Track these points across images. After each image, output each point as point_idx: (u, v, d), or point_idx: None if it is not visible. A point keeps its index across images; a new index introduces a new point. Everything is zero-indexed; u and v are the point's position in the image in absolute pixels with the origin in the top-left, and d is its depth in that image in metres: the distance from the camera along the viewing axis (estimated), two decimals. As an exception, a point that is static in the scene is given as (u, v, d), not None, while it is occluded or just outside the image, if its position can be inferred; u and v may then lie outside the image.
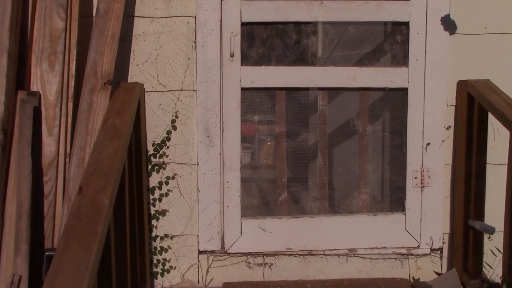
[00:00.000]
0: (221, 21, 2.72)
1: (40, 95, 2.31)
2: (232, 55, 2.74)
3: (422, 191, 2.88)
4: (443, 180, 2.88)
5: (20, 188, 2.11)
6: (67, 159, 2.33)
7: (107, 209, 1.73)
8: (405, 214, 2.89)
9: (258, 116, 2.90)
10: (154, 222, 2.79)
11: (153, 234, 2.80)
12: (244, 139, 2.85)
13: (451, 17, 2.81)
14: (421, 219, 2.90)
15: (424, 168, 2.87)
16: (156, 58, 2.73)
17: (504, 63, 2.87)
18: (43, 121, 2.30)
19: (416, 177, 2.87)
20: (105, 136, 2.12)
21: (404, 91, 2.86)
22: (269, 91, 2.85)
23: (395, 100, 2.90)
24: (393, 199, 2.97)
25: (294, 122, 2.88)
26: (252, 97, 2.82)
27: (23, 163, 2.13)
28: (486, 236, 2.83)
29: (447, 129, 2.87)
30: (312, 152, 2.93)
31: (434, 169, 2.87)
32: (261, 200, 2.96)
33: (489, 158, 2.79)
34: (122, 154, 2.05)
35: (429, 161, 2.87)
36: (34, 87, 2.32)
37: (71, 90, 2.39)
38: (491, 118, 2.68)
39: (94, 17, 2.50)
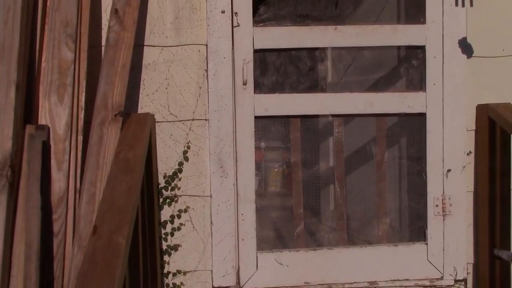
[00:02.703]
0: (233, 48, 2.65)
1: (49, 128, 2.22)
2: (245, 83, 2.66)
3: (444, 219, 2.77)
4: (466, 207, 2.77)
5: (28, 228, 2.00)
6: (77, 195, 2.22)
7: (124, 250, 1.62)
8: (427, 244, 2.78)
9: (268, 143, 2.82)
10: (166, 257, 2.67)
11: (165, 270, 2.67)
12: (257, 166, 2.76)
13: (468, 40, 2.74)
14: (443, 249, 2.78)
15: (446, 196, 2.77)
16: (166, 88, 2.65)
17: (524, 86, 2.79)
18: (52, 156, 2.20)
19: (437, 205, 2.77)
20: (118, 171, 2.02)
21: (422, 116, 2.77)
22: (284, 119, 2.76)
23: (413, 126, 2.81)
24: (413, 228, 2.86)
25: (310, 150, 2.80)
26: (266, 126, 2.74)
27: (32, 201, 2.02)
28: (512, 265, 2.72)
29: (467, 154, 2.77)
30: (328, 181, 2.83)
31: (455, 197, 2.77)
32: (276, 232, 2.85)
33: (513, 184, 2.70)
34: (136, 189, 1.95)
35: (450, 188, 2.77)
36: (43, 120, 2.23)
37: (81, 123, 2.30)
38: (514, 142, 2.60)
39: (103, 47, 2.43)
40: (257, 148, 2.81)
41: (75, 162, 2.24)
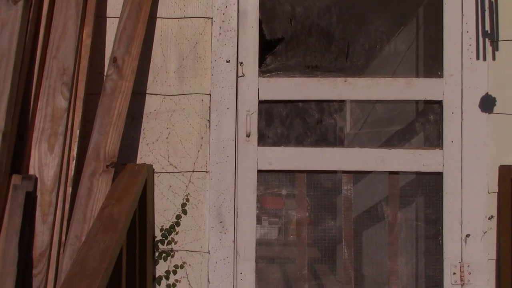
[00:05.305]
0: (237, 99, 2.55)
1: (36, 179, 2.16)
2: (248, 135, 2.55)
3: (462, 289, 2.53)
4: (487, 277, 2.53)
5: (3, 285, 1.91)
6: (62, 249, 2.13)
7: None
8: (443, 315, 2.54)
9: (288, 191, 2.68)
10: (159, 316, 2.53)
11: (158, 330, 2.53)
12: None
13: (490, 95, 2.55)
14: (461, 322, 2.53)
15: (464, 263, 2.54)
16: (167, 137, 2.56)
17: (552, 146, 2.57)
18: (38, 208, 2.13)
19: (454, 273, 2.53)
20: (99, 228, 1.92)
21: (438, 175, 2.57)
22: (288, 174, 2.62)
23: (429, 186, 2.61)
24: (429, 297, 2.62)
25: (316, 208, 2.63)
26: (269, 180, 2.60)
27: (9, 257, 1.94)
28: None
29: (489, 219, 2.55)
30: (335, 241, 2.64)
31: (475, 264, 2.53)
32: (278, 293, 2.67)
33: (539, 253, 2.44)
34: (114, 250, 1.83)
35: (469, 255, 2.54)
36: (32, 170, 2.17)
37: (71, 174, 2.22)
38: (540, 208, 2.36)
39: (100, 96, 2.37)
40: (277, 195, 2.67)
41: (61, 215, 2.16)
